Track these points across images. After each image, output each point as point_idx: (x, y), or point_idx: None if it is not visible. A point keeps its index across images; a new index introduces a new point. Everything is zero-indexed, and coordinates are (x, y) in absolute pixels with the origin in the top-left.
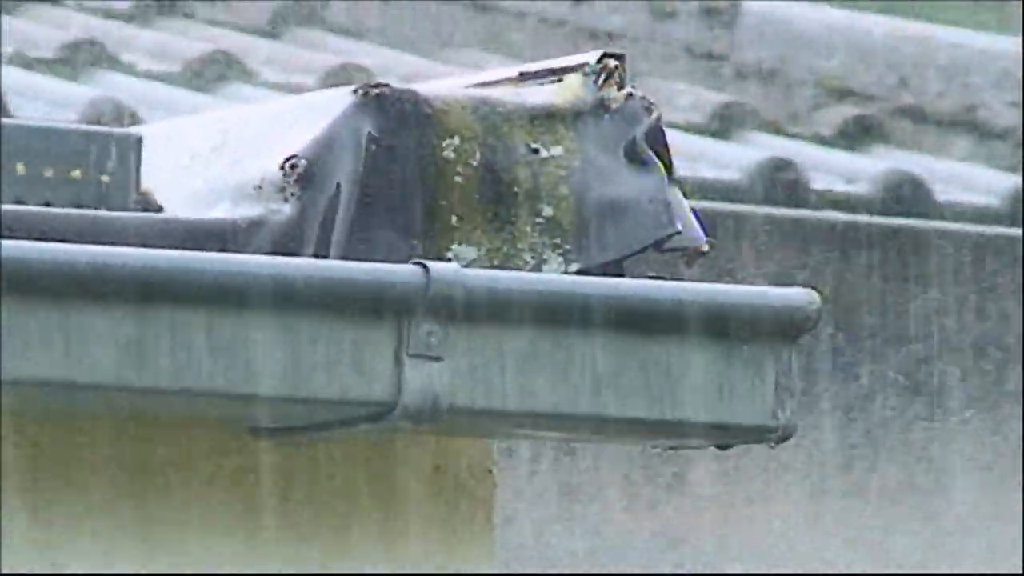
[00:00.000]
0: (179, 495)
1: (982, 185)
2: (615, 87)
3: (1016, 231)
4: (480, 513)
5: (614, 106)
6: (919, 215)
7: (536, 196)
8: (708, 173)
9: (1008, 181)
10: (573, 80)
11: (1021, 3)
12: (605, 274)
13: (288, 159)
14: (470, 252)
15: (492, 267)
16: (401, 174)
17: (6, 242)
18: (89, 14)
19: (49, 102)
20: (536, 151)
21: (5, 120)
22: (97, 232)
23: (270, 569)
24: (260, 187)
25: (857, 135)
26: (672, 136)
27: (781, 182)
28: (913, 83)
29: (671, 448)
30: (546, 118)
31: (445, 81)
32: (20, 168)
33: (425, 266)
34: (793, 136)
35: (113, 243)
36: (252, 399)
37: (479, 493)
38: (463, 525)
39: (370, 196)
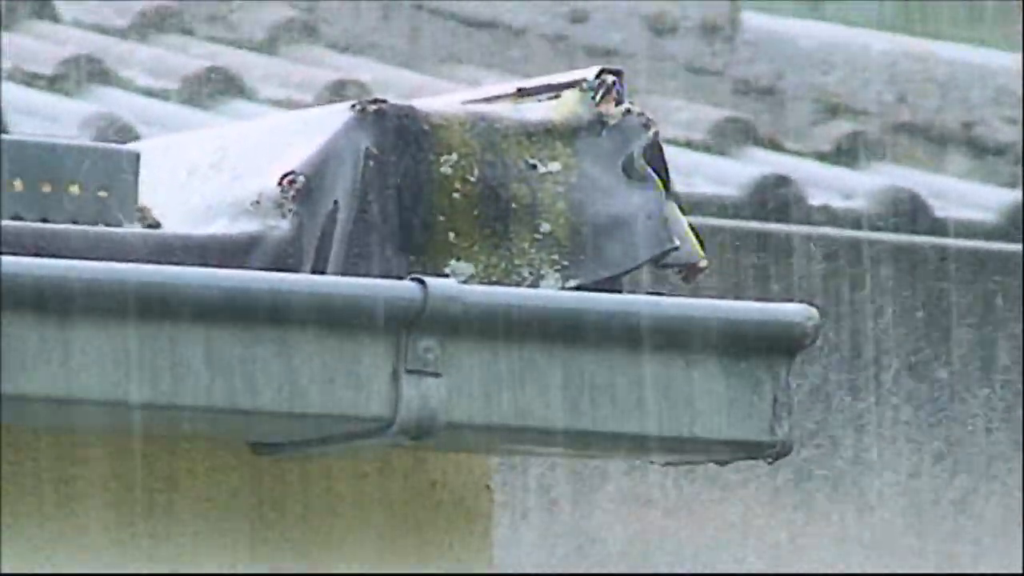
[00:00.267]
0: (177, 510)
1: (980, 201)
2: (613, 103)
3: (1015, 246)
4: (478, 528)
5: (612, 122)
6: (917, 231)
7: (534, 212)
8: (706, 189)
9: (1006, 197)
10: (571, 96)
11: (1022, 21)
12: (603, 290)
13: (286, 175)
14: (468, 268)
15: (490, 283)
16: (399, 190)
17: (4, 258)
18: (87, 30)
19: (47, 118)
20: (534, 167)
21: (3, 136)
22: (95, 248)
23: None
24: (258, 203)
25: (855, 151)
26: (670, 152)
27: (779, 198)
28: (911, 99)
29: (668, 463)
30: (544, 134)
31: (443, 97)
32: (18, 184)
33: (423, 282)
34: (791, 152)
35: (111, 259)
36: (250, 415)
37: (477, 509)
38: (461, 541)
39: (368, 212)
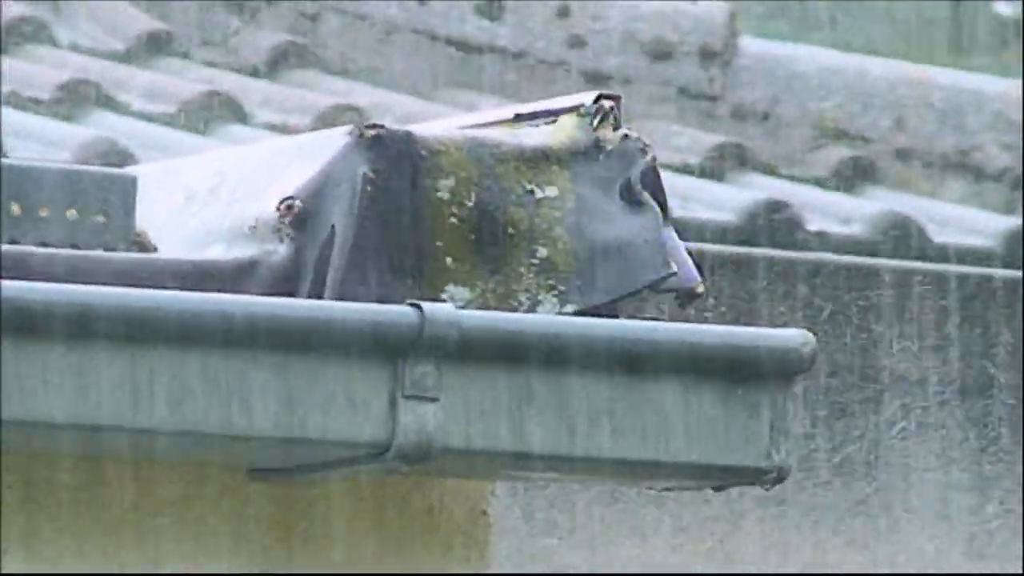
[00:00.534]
0: (176, 535)
1: (978, 227)
2: (610, 128)
3: (1014, 273)
4: (474, 554)
5: (609, 147)
6: (914, 257)
7: (531, 237)
8: (703, 214)
9: (1003, 223)
10: (568, 121)
11: (1022, 47)
12: (600, 315)
13: (283, 200)
14: (465, 293)
15: (487, 308)
16: (396, 215)
17: (3, 282)
18: (85, 55)
19: (45, 142)
20: (531, 192)
21: (2, 160)
22: (93, 272)
23: None
24: (255, 228)
25: (852, 176)
26: (667, 177)
27: (776, 223)
28: (909, 125)
29: (666, 489)
30: (541, 159)
31: (440, 122)
32: (16, 208)
33: (420, 307)
34: (788, 177)
35: (108, 284)
36: (247, 440)
37: (474, 534)
38: (457, 566)
39: (365, 237)
